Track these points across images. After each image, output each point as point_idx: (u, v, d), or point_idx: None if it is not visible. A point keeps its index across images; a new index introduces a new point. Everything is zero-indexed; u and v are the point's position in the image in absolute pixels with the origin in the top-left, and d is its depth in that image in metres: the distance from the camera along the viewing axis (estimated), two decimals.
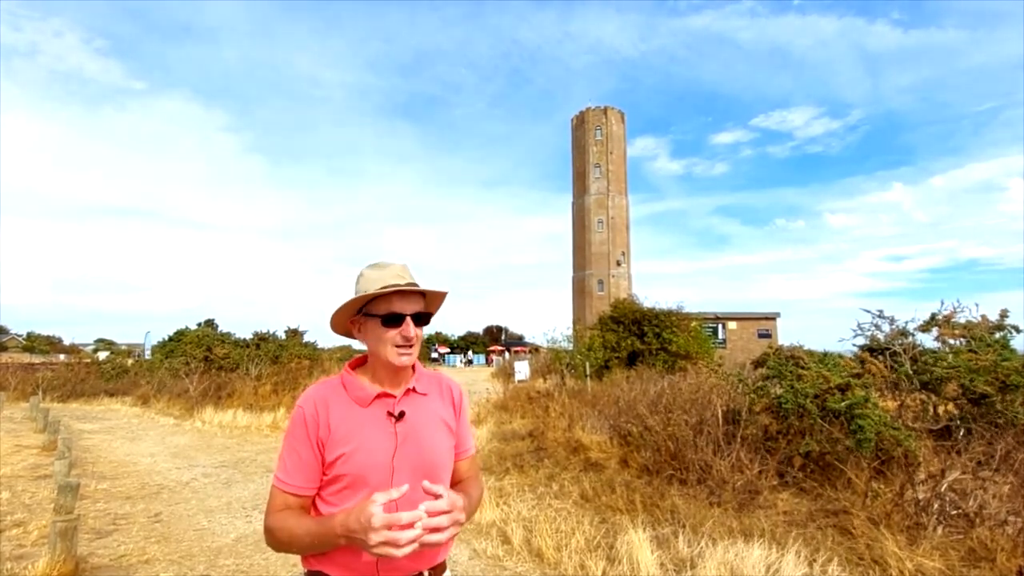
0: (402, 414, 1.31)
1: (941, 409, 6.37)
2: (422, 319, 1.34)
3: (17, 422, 12.40)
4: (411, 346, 1.30)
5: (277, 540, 1.23)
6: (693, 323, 21.91)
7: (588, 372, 15.68)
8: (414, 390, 1.37)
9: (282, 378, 15.39)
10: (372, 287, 1.30)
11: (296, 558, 1.32)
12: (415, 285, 1.32)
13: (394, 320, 1.29)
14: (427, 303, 1.40)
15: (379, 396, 1.32)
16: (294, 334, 22.04)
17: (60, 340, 69.12)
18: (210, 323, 27.99)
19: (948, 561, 3.65)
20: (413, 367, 1.40)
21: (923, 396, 6.50)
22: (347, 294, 1.40)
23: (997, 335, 7.11)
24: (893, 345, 7.46)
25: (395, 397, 1.33)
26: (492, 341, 68.10)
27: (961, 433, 5.73)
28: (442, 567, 1.35)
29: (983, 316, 7.40)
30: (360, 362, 1.40)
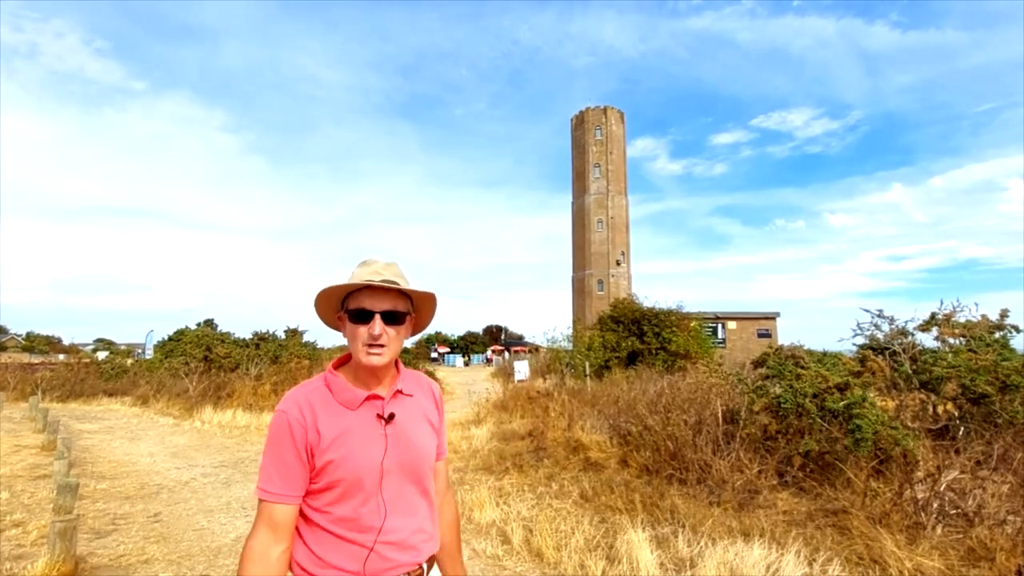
0: (392, 416, 1.29)
1: (940, 409, 6.37)
2: (396, 318, 1.27)
3: (16, 422, 12.39)
4: (381, 345, 1.24)
5: None
6: (693, 323, 21.93)
7: (588, 372, 15.69)
8: (401, 391, 1.34)
9: (282, 378, 15.39)
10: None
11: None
12: (393, 283, 1.26)
13: (361, 317, 1.24)
14: (416, 306, 1.36)
15: (368, 399, 1.28)
16: (294, 334, 22.04)
17: (59, 340, 69.04)
18: (210, 323, 27.99)
19: (947, 561, 3.65)
20: (398, 367, 1.37)
21: (922, 396, 6.50)
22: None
23: (997, 335, 7.12)
24: (893, 345, 7.46)
25: (383, 399, 1.30)
26: (492, 341, 68.08)
27: (960, 432, 5.73)
28: (432, 560, 1.36)
29: (983, 316, 7.41)
30: (344, 361, 1.36)
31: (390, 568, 1.23)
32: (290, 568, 1.24)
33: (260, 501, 1.22)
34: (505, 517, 4.92)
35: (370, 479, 1.23)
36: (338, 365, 1.36)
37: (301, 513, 1.25)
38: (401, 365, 1.39)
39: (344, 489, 1.22)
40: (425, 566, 1.31)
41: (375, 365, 1.25)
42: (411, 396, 1.36)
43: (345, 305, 1.30)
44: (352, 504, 1.22)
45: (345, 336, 1.31)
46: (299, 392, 1.28)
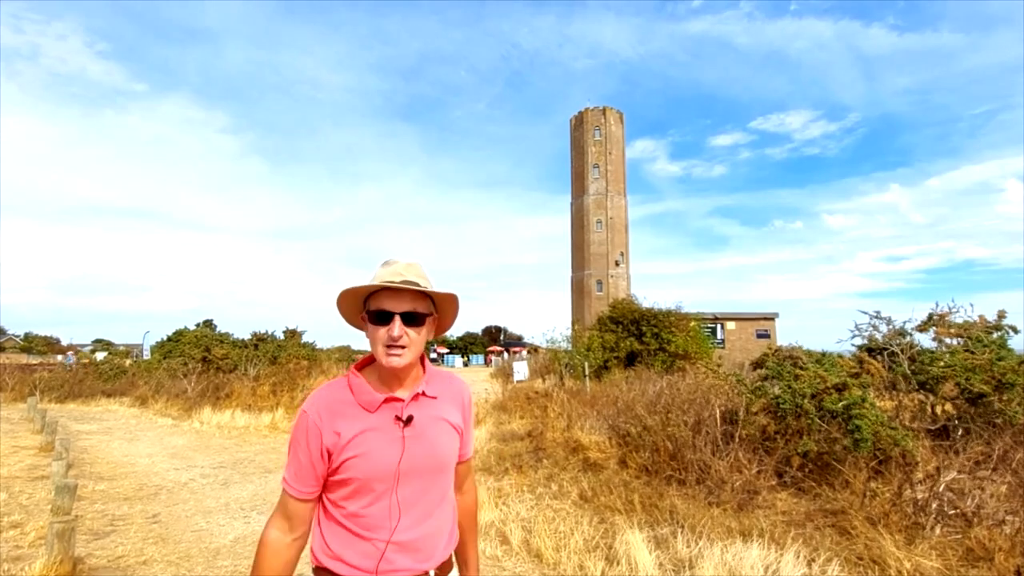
0: (410, 419, 1.28)
1: (939, 409, 6.37)
2: (416, 319, 1.26)
3: (14, 423, 12.36)
4: (401, 347, 1.24)
5: (254, 563, 1.27)
6: (691, 323, 21.91)
7: (587, 372, 15.68)
8: (423, 394, 1.32)
9: (280, 379, 15.34)
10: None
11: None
12: (414, 284, 1.24)
13: (381, 318, 1.24)
14: (438, 307, 1.35)
15: (387, 400, 1.28)
16: (292, 334, 21.99)
17: (58, 340, 68.99)
18: (208, 323, 28.01)
19: (946, 561, 3.66)
20: (424, 367, 1.36)
21: (921, 396, 6.51)
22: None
23: (995, 335, 7.13)
24: (891, 345, 7.47)
25: (403, 401, 1.30)
26: (491, 341, 68.03)
27: (959, 433, 5.73)
28: (448, 565, 1.36)
29: (980, 316, 7.42)
30: (367, 362, 1.37)
31: (393, 570, 1.24)
32: (311, 552, 1.30)
33: (283, 489, 1.30)
34: (504, 518, 4.91)
35: (383, 481, 1.24)
36: (361, 366, 1.36)
37: (321, 503, 1.31)
38: (429, 365, 1.38)
39: (356, 488, 1.24)
40: (433, 572, 1.30)
41: (395, 367, 1.25)
42: (434, 398, 1.35)
43: (367, 306, 1.30)
44: (362, 503, 1.25)
45: (367, 337, 1.31)
46: (322, 393, 1.31)
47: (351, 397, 1.29)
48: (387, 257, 1.33)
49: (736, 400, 6.46)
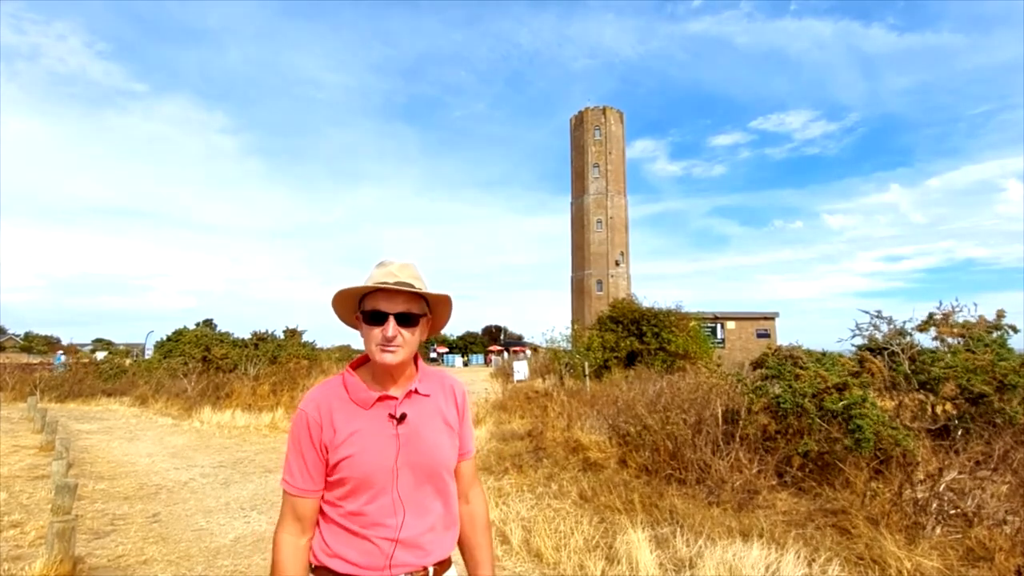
0: (403, 416, 1.30)
1: (939, 409, 6.37)
2: (410, 320, 1.28)
3: (15, 422, 12.36)
4: (396, 346, 1.27)
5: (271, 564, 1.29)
6: (692, 323, 21.91)
7: (587, 372, 15.68)
8: (416, 391, 1.35)
9: (280, 378, 15.34)
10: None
11: None
12: (408, 285, 1.27)
13: (375, 318, 1.27)
14: (431, 308, 1.37)
15: (381, 399, 1.30)
16: (292, 334, 21.99)
17: (58, 340, 68.79)
18: (208, 323, 28.02)
19: (947, 561, 3.65)
20: (417, 366, 1.39)
21: (921, 396, 6.51)
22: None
23: (995, 335, 7.13)
24: (891, 345, 7.46)
25: (397, 399, 1.32)
26: (491, 341, 68.04)
27: (959, 433, 5.73)
28: (447, 562, 1.36)
29: (981, 316, 7.42)
30: (362, 361, 1.39)
31: (393, 566, 1.25)
32: (311, 551, 1.31)
33: (284, 492, 1.31)
34: (504, 517, 4.91)
35: (379, 479, 1.26)
36: (356, 365, 1.39)
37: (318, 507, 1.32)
38: (422, 364, 1.40)
39: (352, 486, 1.26)
40: (431, 569, 1.30)
41: (388, 363, 1.27)
42: (427, 396, 1.37)
43: (361, 306, 1.32)
44: (360, 501, 1.26)
45: (362, 336, 1.33)
46: (318, 391, 1.33)
47: (346, 395, 1.31)
48: (383, 257, 1.35)
49: (737, 400, 6.46)
